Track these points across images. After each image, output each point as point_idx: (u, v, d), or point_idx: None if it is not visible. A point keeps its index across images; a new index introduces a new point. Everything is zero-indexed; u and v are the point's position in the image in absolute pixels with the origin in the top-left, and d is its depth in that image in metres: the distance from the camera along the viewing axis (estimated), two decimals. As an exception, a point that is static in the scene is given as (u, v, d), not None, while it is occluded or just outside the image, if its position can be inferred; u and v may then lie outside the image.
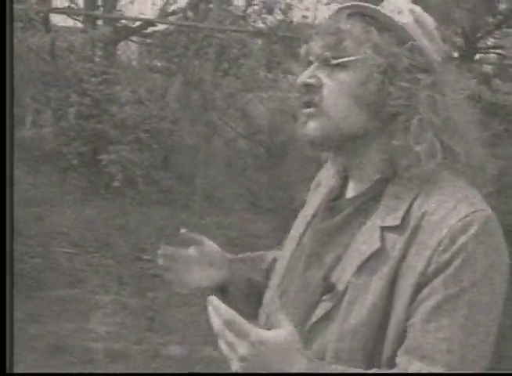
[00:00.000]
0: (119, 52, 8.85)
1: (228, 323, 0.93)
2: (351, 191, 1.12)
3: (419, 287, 0.98)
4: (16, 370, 3.34)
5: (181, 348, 3.91)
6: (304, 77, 1.08)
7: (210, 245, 1.35)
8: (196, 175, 7.06)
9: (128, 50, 9.09)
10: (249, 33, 8.30)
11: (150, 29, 9.06)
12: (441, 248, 0.98)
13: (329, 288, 1.05)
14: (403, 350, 0.98)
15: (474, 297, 0.97)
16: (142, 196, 7.31)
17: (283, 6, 7.63)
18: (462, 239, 0.97)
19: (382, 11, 1.07)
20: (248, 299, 1.32)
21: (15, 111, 5.91)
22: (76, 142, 7.17)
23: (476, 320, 0.97)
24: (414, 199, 1.03)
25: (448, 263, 0.97)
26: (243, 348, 0.92)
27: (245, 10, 9.85)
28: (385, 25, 1.07)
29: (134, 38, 9.17)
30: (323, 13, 1.17)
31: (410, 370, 0.96)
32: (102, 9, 9.05)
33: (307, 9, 7.74)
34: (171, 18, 9.28)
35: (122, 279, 5.03)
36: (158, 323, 4.23)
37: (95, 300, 4.53)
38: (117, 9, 9.23)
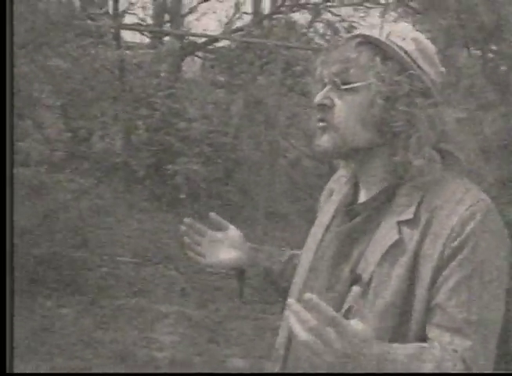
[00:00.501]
0: (184, 68, 9.01)
1: (332, 320, 0.99)
2: (363, 196, 1.27)
3: (437, 271, 1.13)
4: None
5: (243, 361, 3.93)
6: (319, 97, 1.24)
7: (234, 231, 1.52)
8: (258, 191, 7.11)
9: (194, 65, 9.25)
10: (314, 50, 8.32)
11: (214, 45, 9.23)
12: (453, 235, 1.13)
13: (356, 279, 1.18)
14: (433, 326, 1.13)
15: (486, 274, 1.13)
16: (204, 209, 7.40)
17: (346, 25, 7.64)
18: (470, 225, 1.13)
19: (386, 41, 1.22)
20: (264, 284, 1.52)
21: (83, 124, 6.03)
22: (143, 154, 7.33)
23: (490, 294, 1.13)
24: (423, 197, 1.18)
25: (461, 247, 1.13)
26: (340, 343, 1.00)
27: (309, 27, 9.92)
28: (389, 54, 1.21)
29: (199, 54, 9.34)
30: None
31: (443, 342, 1.11)
32: (169, 25, 9.29)
33: (372, 27, 7.73)
34: (236, 34, 9.42)
35: (185, 290, 5.09)
36: (220, 336, 4.26)
37: (159, 310, 4.59)
38: (184, 25, 9.45)
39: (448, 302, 1.12)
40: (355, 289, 1.09)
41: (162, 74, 8.08)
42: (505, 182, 2.74)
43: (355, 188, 1.30)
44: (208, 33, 9.82)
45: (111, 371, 3.58)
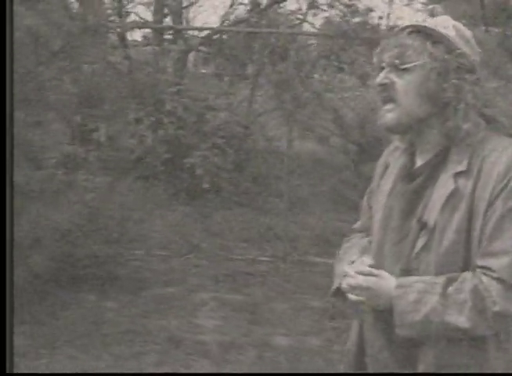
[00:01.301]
0: (189, 63, 9.11)
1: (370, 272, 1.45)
2: (419, 162, 1.49)
3: (488, 209, 1.36)
4: (143, 361, 3.58)
5: (287, 339, 4.07)
6: (380, 78, 1.47)
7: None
8: (274, 177, 7.25)
9: (197, 59, 9.35)
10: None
11: (217, 36, 9.32)
12: (499, 178, 1.36)
13: (423, 226, 1.42)
14: (480, 254, 1.36)
15: None
16: (222, 199, 7.54)
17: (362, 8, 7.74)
18: None
19: (434, 28, 1.45)
20: None
21: (94, 124, 6.12)
22: (157, 150, 7.45)
23: None
24: (473, 152, 1.41)
25: (504, 187, 1.35)
26: (367, 281, 1.44)
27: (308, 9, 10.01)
28: (437, 38, 1.44)
29: (202, 48, 9.43)
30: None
31: (486, 264, 1.34)
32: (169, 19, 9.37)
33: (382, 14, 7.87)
34: (235, 26, 9.50)
35: (217, 277, 5.24)
36: (260, 317, 4.41)
37: (196, 298, 4.74)
38: (184, 19, 9.54)
39: (493, 231, 1.35)
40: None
41: (169, 70, 8.19)
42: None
43: (412, 156, 1.52)
44: (208, 26, 9.94)
45: (163, 356, 3.72)
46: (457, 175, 1.39)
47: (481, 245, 1.36)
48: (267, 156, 8.21)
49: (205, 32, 9.11)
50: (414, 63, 1.43)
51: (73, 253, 4.60)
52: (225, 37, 9.09)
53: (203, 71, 8.94)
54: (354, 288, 1.45)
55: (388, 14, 7.17)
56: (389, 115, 1.46)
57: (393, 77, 1.45)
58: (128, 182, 6.98)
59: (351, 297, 1.46)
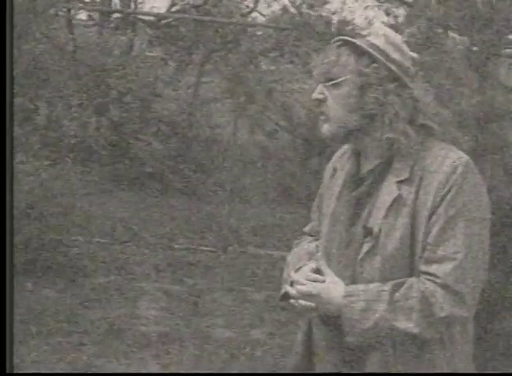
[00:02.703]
0: (135, 47, 8.95)
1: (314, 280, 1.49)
2: (365, 167, 1.54)
3: (430, 216, 1.40)
4: (83, 352, 3.52)
5: (228, 331, 4.08)
6: (315, 93, 1.52)
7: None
8: (217, 166, 7.22)
9: (143, 43, 9.20)
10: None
11: (165, 21, 9.20)
12: (441, 185, 1.40)
13: (368, 232, 1.46)
14: (424, 260, 1.40)
15: (467, 215, 1.40)
16: (165, 186, 7.46)
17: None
18: (453, 176, 1.41)
19: (356, 41, 1.49)
20: None
21: (36, 105, 5.96)
22: (101, 134, 7.31)
23: (473, 231, 1.40)
24: (415, 160, 1.45)
25: (446, 195, 1.40)
26: (316, 289, 1.46)
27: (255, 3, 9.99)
28: (362, 50, 1.48)
29: (148, 31, 9.29)
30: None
31: (430, 271, 1.38)
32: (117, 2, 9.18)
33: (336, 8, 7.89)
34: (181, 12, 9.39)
35: (159, 267, 5.19)
36: (202, 308, 4.40)
37: (138, 287, 4.69)
38: (132, 2, 9.36)
39: (436, 238, 1.39)
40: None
41: (115, 53, 8.03)
42: (479, 152, 2.97)
43: (357, 162, 1.57)
44: (156, 11, 9.79)
45: (103, 347, 3.67)
46: (400, 182, 1.44)
47: (424, 251, 1.40)
48: (211, 144, 8.18)
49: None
50: (340, 79, 1.48)
51: (10, 239, 4.46)
52: (173, 22, 8.97)
53: (150, 54, 8.79)
54: (304, 295, 1.47)
55: (341, 8, 7.19)
56: (324, 127, 1.52)
57: (325, 92, 1.51)
58: (69, 167, 6.83)
59: (301, 303, 1.49)
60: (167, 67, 8.97)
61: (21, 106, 7.08)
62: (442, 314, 1.36)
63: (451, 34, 3.77)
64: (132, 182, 7.34)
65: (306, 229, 1.78)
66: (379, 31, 1.53)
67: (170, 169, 7.66)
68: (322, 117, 1.52)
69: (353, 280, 1.46)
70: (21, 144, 6.34)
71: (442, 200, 1.39)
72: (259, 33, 8.91)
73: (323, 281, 1.47)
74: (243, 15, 9.99)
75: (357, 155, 1.57)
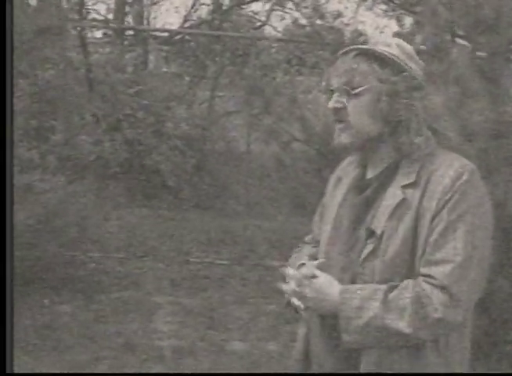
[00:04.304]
0: (150, 63, 9.04)
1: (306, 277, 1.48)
2: (370, 174, 1.55)
3: (433, 219, 1.41)
4: (98, 368, 3.54)
5: (243, 344, 4.07)
6: (332, 102, 1.51)
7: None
8: (233, 180, 7.24)
9: (158, 59, 9.28)
10: (272, 40, 8.44)
11: (178, 37, 9.29)
12: (445, 190, 1.42)
13: (370, 234, 1.47)
14: (423, 263, 1.41)
15: (469, 221, 1.41)
16: (180, 201, 7.50)
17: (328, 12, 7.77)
18: (458, 182, 1.42)
19: (379, 51, 1.50)
20: None
21: (51, 123, 6.01)
22: (116, 150, 7.37)
23: (474, 236, 1.40)
24: (422, 165, 1.47)
25: (449, 199, 1.41)
26: (311, 286, 1.47)
27: (267, 18, 10.05)
28: (383, 60, 1.49)
29: (162, 47, 9.37)
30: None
31: (428, 272, 1.38)
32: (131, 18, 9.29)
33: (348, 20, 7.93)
34: (195, 27, 9.47)
35: (174, 281, 5.21)
36: (216, 321, 4.40)
37: (153, 301, 4.70)
38: (145, 19, 9.46)
39: (437, 241, 1.40)
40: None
41: (128, 69, 8.11)
42: (492, 165, 2.95)
43: (364, 169, 1.58)
44: (169, 27, 9.89)
45: (119, 362, 3.69)
46: (405, 186, 1.46)
47: (424, 254, 1.41)
48: (226, 158, 8.21)
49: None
50: (363, 87, 1.48)
51: (28, 254, 4.51)
52: (186, 37, 9.05)
53: (165, 70, 8.87)
54: (300, 293, 1.47)
55: (351, 18, 7.22)
56: (343, 135, 1.52)
57: (344, 100, 1.50)
58: (86, 183, 6.90)
59: (295, 301, 1.49)
60: (181, 83, 9.04)
61: (37, 125, 7.18)
62: (436, 315, 1.36)
63: (458, 40, 3.77)
64: (148, 197, 7.39)
65: (306, 239, 1.79)
66: (392, 41, 1.54)
67: (185, 183, 7.70)
68: (339, 126, 1.52)
69: (353, 282, 1.46)
70: (38, 162, 6.43)
71: (445, 204, 1.41)
72: (274, 45, 8.98)
73: (320, 277, 1.47)
74: (255, 28, 10.06)
75: (364, 162, 1.58)
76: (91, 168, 7.36)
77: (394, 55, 1.50)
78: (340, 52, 1.55)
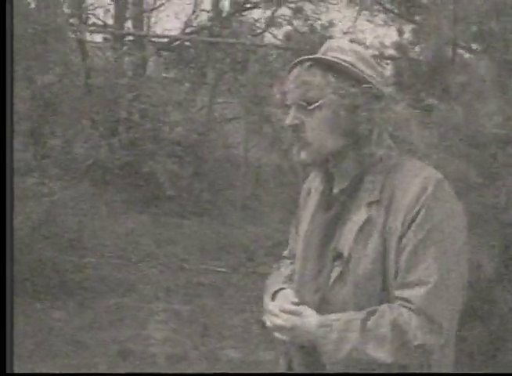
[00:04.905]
0: (149, 68, 9.03)
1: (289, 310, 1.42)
2: (336, 189, 1.48)
3: (401, 240, 1.33)
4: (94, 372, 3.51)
5: (236, 352, 4.05)
6: (289, 119, 1.43)
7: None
8: (230, 186, 7.22)
9: (157, 65, 9.28)
10: (273, 47, 8.44)
11: (177, 43, 9.29)
12: (410, 207, 1.33)
13: (338, 256, 1.39)
14: (396, 285, 1.33)
15: (438, 238, 1.32)
16: (178, 207, 7.48)
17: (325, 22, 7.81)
18: (423, 197, 1.33)
19: (332, 59, 1.40)
20: None
21: (49, 128, 6.00)
22: (113, 156, 7.36)
23: (445, 254, 1.32)
24: (385, 179, 1.38)
25: (415, 217, 1.32)
26: (289, 322, 1.40)
27: (267, 25, 10.06)
28: (339, 70, 1.39)
29: (162, 53, 9.37)
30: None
31: (403, 296, 1.32)
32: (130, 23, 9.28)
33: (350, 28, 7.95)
34: (194, 34, 9.47)
35: (169, 287, 5.18)
36: (211, 329, 4.37)
37: (148, 308, 4.68)
38: (145, 24, 9.46)
39: (408, 263, 1.32)
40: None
41: (128, 74, 8.10)
42: (501, 171, 2.93)
43: (330, 183, 1.50)
44: (168, 33, 9.89)
45: (111, 369, 3.66)
46: (370, 204, 1.38)
47: (397, 276, 1.34)
48: (224, 164, 8.20)
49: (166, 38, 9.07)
50: (320, 102, 1.39)
51: (21, 258, 4.49)
52: (186, 43, 9.05)
53: (164, 75, 8.86)
54: (278, 327, 1.42)
55: (351, 27, 7.23)
56: (302, 153, 1.43)
57: (301, 116, 1.42)
58: (82, 188, 6.88)
59: (277, 335, 1.44)
60: (180, 88, 9.03)
61: (34, 129, 7.17)
62: (416, 342, 1.29)
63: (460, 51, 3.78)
64: (145, 203, 7.36)
65: (285, 253, 1.73)
66: (346, 47, 1.44)
67: (183, 189, 7.68)
68: (298, 144, 1.43)
69: (326, 306, 1.40)
70: (36, 166, 6.42)
71: (412, 222, 1.32)
72: (272, 52, 8.99)
73: (299, 313, 1.40)
74: (255, 35, 10.07)
75: (330, 176, 1.50)
76: (89, 173, 7.34)
77: (350, 63, 1.40)
78: (293, 62, 1.45)
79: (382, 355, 1.30)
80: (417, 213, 1.32)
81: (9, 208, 1.80)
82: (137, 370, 3.66)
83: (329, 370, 1.37)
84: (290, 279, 1.56)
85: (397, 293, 1.33)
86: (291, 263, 1.63)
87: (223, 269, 5.83)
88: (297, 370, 1.50)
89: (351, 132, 1.40)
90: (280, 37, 9.51)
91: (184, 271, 5.71)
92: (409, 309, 1.31)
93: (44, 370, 3.56)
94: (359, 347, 1.31)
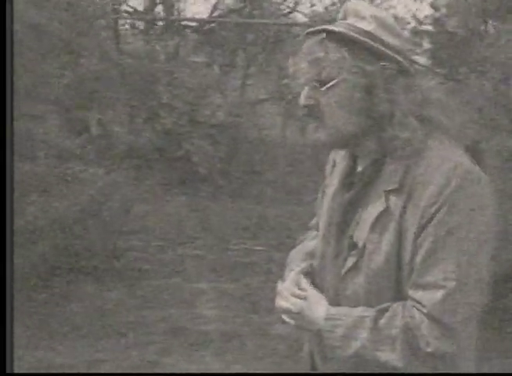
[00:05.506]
0: (181, 53, 9.11)
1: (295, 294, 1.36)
2: (359, 166, 1.35)
3: (418, 235, 1.21)
4: (148, 351, 3.64)
5: (286, 326, 4.14)
6: (303, 99, 1.30)
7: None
8: (268, 168, 7.31)
9: (189, 48, 9.35)
10: (300, 26, 8.44)
11: (208, 26, 9.34)
12: (431, 201, 1.19)
13: (353, 246, 1.29)
14: (411, 284, 1.22)
15: (461, 236, 1.18)
16: (215, 188, 7.59)
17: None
18: (447, 191, 1.19)
19: (347, 32, 1.25)
20: None
21: (85, 114, 6.12)
22: (151, 139, 7.48)
23: (466, 256, 1.18)
24: (408, 166, 1.24)
25: (436, 211, 1.19)
26: (297, 307, 1.33)
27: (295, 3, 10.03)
28: (355, 43, 1.25)
29: (192, 37, 9.44)
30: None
31: (417, 297, 1.20)
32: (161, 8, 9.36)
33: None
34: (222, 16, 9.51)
35: (214, 267, 5.30)
36: (259, 306, 4.48)
37: (195, 287, 4.80)
38: (175, 8, 9.53)
39: (424, 262, 1.20)
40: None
41: (161, 60, 8.20)
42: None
43: (353, 159, 1.38)
44: (199, 16, 9.95)
45: (167, 347, 3.79)
46: (389, 192, 1.25)
47: (411, 274, 1.22)
48: (259, 145, 8.27)
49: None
50: (334, 81, 1.26)
51: (73, 244, 4.64)
52: (216, 26, 9.10)
53: (195, 59, 8.94)
54: (284, 310, 1.36)
55: (383, 1, 7.20)
56: (317, 135, 1.31)
57: (316, 95, 1.28)
58: (123, 174, 7.02)
59: (284, 317, 1.39)
60: (212, 71, 9.10)
61: (74, 116, 7.31)
62: (428, 349, 1.18)
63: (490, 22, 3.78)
64: (183, 186, 7.49)
65: (312, 222, 1.63)
66: (366, 13, 1.29)
67: (219, 171, 7.78)
68: (313, 125, 1.30)
69: (337, 297, 1.31)
70: (77, 153, 6.56)
71: (432, 217, 1.19)
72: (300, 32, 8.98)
73: (304, 298, 1.33)
74: (283, 15, 10.07)
75: (353, 154, 1.39)
76: (128, 158, 7.47)
77: (366, 33, 1.26)
78: (305, 32, 1.31)
79: (392, 357, 1.20)
80: (438, 208, 1.19)
81: (9, 209, 1.85)
82: (193, 348, 3.78)
83: (335, 368, 1.31)
84: (311, 255, 1.47)
85: (410, 292, 1.22)
86: (313, 239, 1.53)
87: (264, 248, 5.92)
88: (316, 357, 1.41)
89: (370, 113, 1.27)
90: (308, 15, 9.52)
91: (226, 251, 5.82)
92: (422, 312, 1.20)
93: (101, 349, 3.70)
94: (368, 346, 1.22)
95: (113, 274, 4.81)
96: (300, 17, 9.55)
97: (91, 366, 3.44)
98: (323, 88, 1.26)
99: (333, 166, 1.46)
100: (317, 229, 1.49)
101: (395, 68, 1.25)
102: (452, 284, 1.17)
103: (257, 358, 3.70)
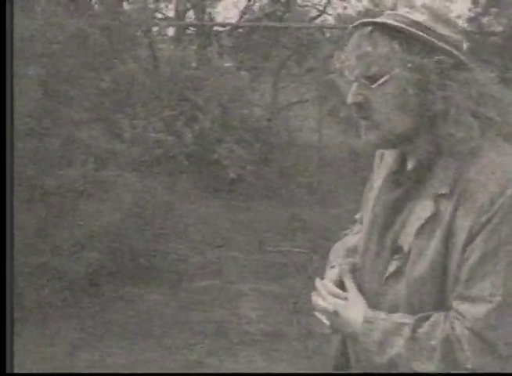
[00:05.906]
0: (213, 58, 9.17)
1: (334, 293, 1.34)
2: (409, 164, 1.29)
3: (467, 244, 1.15)
4: (194, 352, 3.67)
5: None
6: (351, 97, 1.24)
7: None
8: (303, 170, 7.32)
9: (220, 53, 9.42)
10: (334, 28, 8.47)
11: (239, 30, 9.40)
12: (483, 210, 1.13)
13: (397, 249, 1.24)
14: (455, 295, 1.17)
15: (511, 249, 1.12)
16: (249, 192, 7.62)
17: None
18: (500, 201, 1.13)
19: (396, 25, 1.18)
20: None
21: (120, 121, 6.19)
22: (184, 145, 7.54)
23: None
24: (460, 168, 1.18)
25: (487, 222, 1.13)
26: (334, 306, 1.32)
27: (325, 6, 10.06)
28: (406, 36, 1.18)
29: (224, 42, 9.50)
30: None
31: (460, 309, 1.15)
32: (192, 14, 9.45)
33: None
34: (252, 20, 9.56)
35: (254, 269, 5.33)
36: (301, 306, 4.49)
37: (236, 289, 4.83)
38: (206, 15, 9.61)
39: (471, 274, 1.15)
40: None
41: (193, 65, 8.27)
42: None
43: (402, 156, 1.32)
44: (229, 21, 10.01)
45: (212, 347, 3.82)
46: (439, 196, 1.19)
47: (457, 284, 1.17)
48: (293, 148, 8.29)
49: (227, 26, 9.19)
50: (385, 77, 1.19)
51: (119, 248, 4.71)
52: (247, 30, 9.15)
53: (227, 64, 8.99)
54: (320, 309, 1.34)
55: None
56: (370, 135, 1.25)
57: (365, 93, 1.22)
58: (158, 178, 7.09)
59: (317, 315, 1.37)
60: (243, 75, 9.15)
61: (107, 121, 7.40)
62: (468, 365, 1.13)
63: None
64: (218, 190, 7.54)
65: (357, 215, 1.59)
66: (416, 2, 1.23)
67: (253, 174, 7.81)
68: (364, 123, 1.24)
69: (376, 300, 1.27)
70: (113, 158, 6.65)
71: (482, 228, 1.13)
72: (328, 35, 9.01)
73: (345, 298, 1.30)
74: (313, 18, 10.10)
75: (403, 153, 1.32)
76: (162, 163, 7.54)
77: (418, 24, 1.18)
78: (352, 25, 1.24)
79: (430, 368, 1.15)
80: (490, 218, 1.13)
81: (9, 210, 1.87)
82: (237, 348, 3.80)
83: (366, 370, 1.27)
84: (352, 251, 1.43)
85: (454, 303, 1.17)
86: (358, 232, 1.49)
87: (301, 250, 5.94)
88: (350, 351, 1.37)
89: (424, 111, 1.20)
90: (335, 18, 9.54)
91: (264, 253, 5.84)
92: (464, 326, 1.14)
93: (146, 349, 3.75)
94: (405, 355, 1.17)
95: (152, 277, 4.86)
96: (330, 20, 9.59)
97: (138, 366, 3.49)
98: (373, 86, 1.20)
99: (381, 160, 1.41)
100: (361, 223, 1.46)
101: (451, 62, 1.18)
102: (498, 300, 1.12)
103: (303, 357, 3.72)
